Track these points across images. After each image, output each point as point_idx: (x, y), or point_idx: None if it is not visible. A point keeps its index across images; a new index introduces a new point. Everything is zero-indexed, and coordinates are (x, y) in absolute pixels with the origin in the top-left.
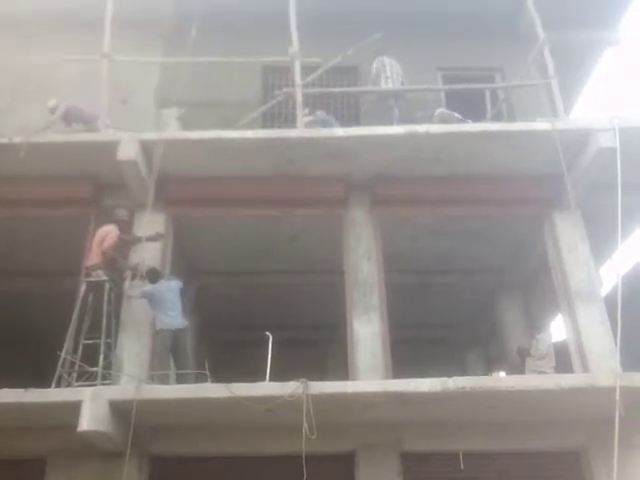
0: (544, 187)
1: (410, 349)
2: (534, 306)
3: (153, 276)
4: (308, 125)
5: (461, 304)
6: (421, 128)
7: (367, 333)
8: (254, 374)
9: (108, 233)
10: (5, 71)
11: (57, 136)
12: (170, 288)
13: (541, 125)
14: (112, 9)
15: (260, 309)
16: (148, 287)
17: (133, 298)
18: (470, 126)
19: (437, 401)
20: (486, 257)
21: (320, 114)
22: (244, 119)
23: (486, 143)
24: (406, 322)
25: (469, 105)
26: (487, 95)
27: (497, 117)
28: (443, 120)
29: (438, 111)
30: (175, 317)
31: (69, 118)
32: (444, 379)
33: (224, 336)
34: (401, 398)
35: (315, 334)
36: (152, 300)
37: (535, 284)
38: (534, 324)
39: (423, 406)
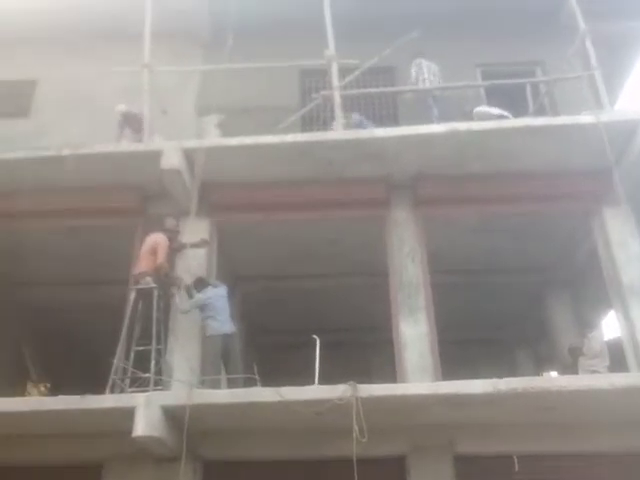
0: (592, 182)
1: (458, 350)
2: (584, 303)
3: (200, 285)
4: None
5: (509, 303)
6: (462, 126)
7: (414, 334)
8: (300, 377)
9: (158, 243)
10: (51, 85)
11: (102, 147)
12: (219, 294)
13: (586, 118)
14: (151, 21)
15: (304, 312)
16: (198, 296)
17: (188, 312)
18: (512, 122)
19: (489, 403)
20: (533, 255)
21: (355, 117)
22: (283, 123)
23: (529, 138)
24: (453, 323)
25: (510, 100)
26: (528, 90)
27: (539, 112)
28: (481, 119)
29: (476, 109)
30: (224, 322)
31: (123, 124)
32: (495, 380)
33: (270, 340)
34: (452, 400)
35: (359, 336)
36: (203, 308)
37: (585, 281)
38: (585, 322)
39: (474, 408)
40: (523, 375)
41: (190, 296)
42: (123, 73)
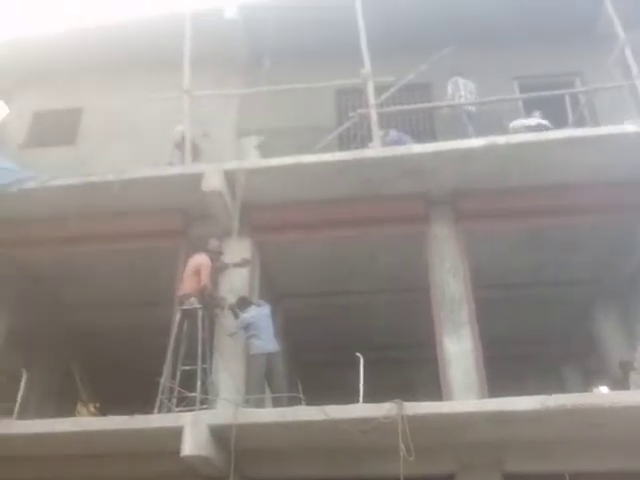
0: (637, 192)
1: (503, 366)
2: (634, 316)
3: (243, 304)
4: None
5: (554, 317)
6: (501, 139)
7: (458, 351)
8: (344, 395)
9: (201, 264)
10: (95, 113)
11: (146, 171)
12: (263, 313)
13: (629, 127)
14: (190, 47)
15: (346, 330)
16: (243, 316)
17: (235, 333)
18: (553, 133)
19: (537, 420)
20: (578, 267)
21: (392, 134)
22: (321, 143)
23: (571, 150)
24: (497, 338)
25: (549, 112)
26: (567, 101)
27: (579, 123)
28: (518, 132)
29: (512, 124)
30: (268, 341)
31: (180, 144)
32: (544, 397)
33: (313, 358)
34: (499, 417)
35: (402, 353)
36: (247, 327)
37: (633, 293)
38: (635, 335)
39: (523, 425)
40: (571, 391)
41: (235, 316)
42: (164, 99)
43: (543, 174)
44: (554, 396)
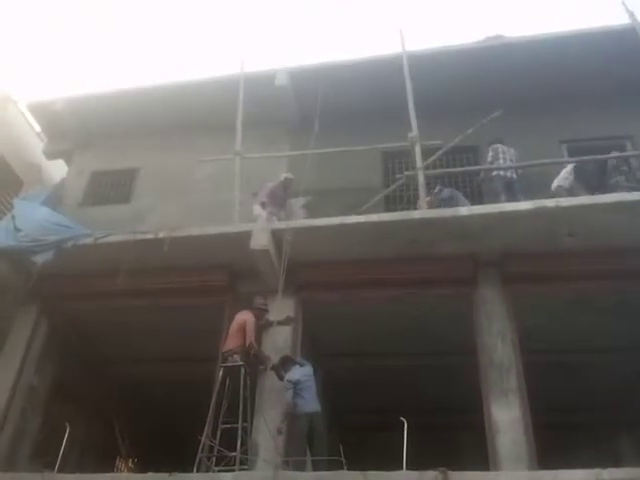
0: None
1: (553, 435)
2: None
3: (287, 363)
4: (432, 201)
5: (606, 384)
6: (550, 202)
7: (507, 419)
8: (386, 460)
9: (246, 321)
10: (150, 173)
11: (195, 230)
12: (306, 373)
13: None
14: (242, 111)
15: (388, 392)
16: (292, 376)
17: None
18: (604, 197)
19: None
20: (629, 333)
21: (446, 192)
22: (367, 203)
23: (623, 213)
24: (547, 406)
25: (599, 176)
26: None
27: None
28: (560, 194)
29: (553, 186)
30: (310, 401)
31: (278, 190)
32: (598, 470)
33: (354, 421)
34: None
35: (447, 418)
36: (293, 387)
37: None
38: None
39: None
40: (625, 462)
41: (278, 376)
42: (216, 160)
43: (595, 237)
44: (609, 470)
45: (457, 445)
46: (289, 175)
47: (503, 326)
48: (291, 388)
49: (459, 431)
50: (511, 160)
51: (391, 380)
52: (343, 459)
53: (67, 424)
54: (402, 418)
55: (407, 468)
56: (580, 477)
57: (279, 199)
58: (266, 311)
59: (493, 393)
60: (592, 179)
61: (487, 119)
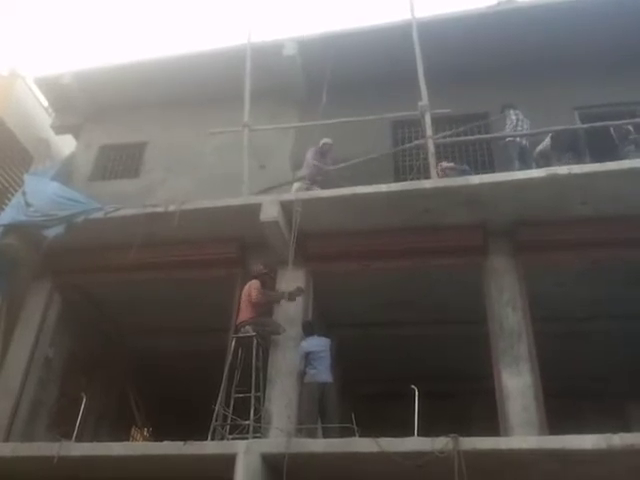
0: None
1: (562, 403)
2: None
3: (308, 329)
4: (447, 170)
5: (617, 352)
6: (562, 170)
7: (517, 386)
8: (398, 428)
9: (249, 286)
10: (158, 147)
11: (205, 203)
12: (322, 344)
13: None
14: (250, 83)
15: (400, 361)
16: (306, 345)
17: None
18: (617, 164)
19: (600, 460)
20: None
21: (462, 167)
22: (377, 173)
23: (635, 181)
24: (557, 373)
25: (611, 143)
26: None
27: None
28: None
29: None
30: (322, 372)
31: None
32: (609, 435)
33: (365, 390)
34: (560, 455)
35: (458, 386)
36: (305, 356)
37: None
38: None
39: (584, 465)
40: (636, 430)
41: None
42: (224, 133)
43: (607, 204)
44: (620, 435)
45: (468, 413)
46: (327, 140)
47: (513, 294)
48: (303, 357)
49: (470, 399)
50: (522, 128)
51: (402, 349)
52: (355, 427)
53: (83, 395)
54: (413, 386)
55: (418, 435)
56: (591, 442)
57: (316, 167)
58: (272, 277)
59: (504, 361)
60: (578, 146)
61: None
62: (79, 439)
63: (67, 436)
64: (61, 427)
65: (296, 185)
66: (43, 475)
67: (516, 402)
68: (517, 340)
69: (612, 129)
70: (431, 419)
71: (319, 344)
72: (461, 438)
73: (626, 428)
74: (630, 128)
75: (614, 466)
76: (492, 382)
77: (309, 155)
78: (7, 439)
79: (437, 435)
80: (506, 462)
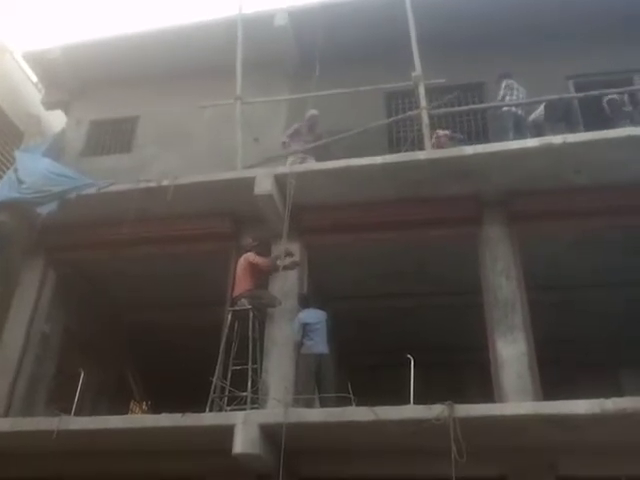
0: None
1: (557, 370)
2: None
3: (304, 302)
4: (442, 139)
5: (611, 320)
6: (557, 139)
7: (512, 354)
8: (393, 398)
9: (246, 259)
10: (151, 121)
11: (198, 177)
12: (319, 317)
13: None
14: (241, 54)
15: (394, 333)
16: (303, 316)
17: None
18: (612, 132)
19: (594, 424)
20: (637, 269)
21: (457, 134)
22: (371, 145)
23: (630, 149)
24: (551, 341)
25: (606, 115)
26: (626, 100)
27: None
28: None
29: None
30: (320, 343)
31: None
32: (602, 400)
33: (361, 361)
34: (555, 421)
35: (453, 356)
36: (302, 328)
37: None
38: None
39: (578, 429)
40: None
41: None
42: (216, 106)
43: (603, 173)
44: (613, 400)
45: (463, 382)
46: (313, 112)
47: (508, 264)
48: (300, 328)
49: (465, 369)
50: (517, 97)
51: (397, 321)
52: (352, 396)
53: (81, 370)
54: (409, 356)
55: (414, 404)
56: (585, 407)
57: (304, 137)
58: (266, 248)
59: (498, 330)
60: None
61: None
62: (78, 414)
63: (66, 412)
64: (59, 403)
65: (291, 159)
66: (43, 449)
67: (511, 370)
68: (511, 309)
69: (606, 103)
70: (426, 389)
71: (316, 316)
72: (456, 405)
73: (620, 394)
74: (624, 99)
75: (607, 429)
76: (487, 352)
77: (288, 132)
78: (6, 416)
79: (432, 404)
80: (501, 428)
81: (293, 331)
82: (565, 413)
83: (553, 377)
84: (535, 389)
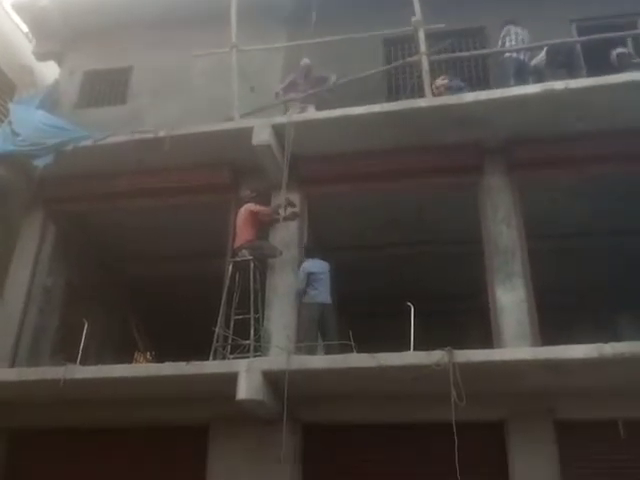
0: None
1: (555, 316)
2: None
3: (310, 251)
4: (442, 89)
5: (610, 267)
6: (559, 85)
7: (511, 301)
8: (392, 346)
9: (246, 210)
10: (145, 71)
11: (195, 127)
12: (323, 268)
13: None
14: (236, 1)
15: (394, 282)
16: (308, 266)
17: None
18: (615, 77)
19: (592, 368)
20: (635, 216)
21: (456, 82)
22: (369, 93)
23: (635, 94)
24: (550, 288)
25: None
26: (630, 44)
27: None
28: None
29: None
30: (323, 292)
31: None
32: (600, 345)
33: (362, 310)
34: (553, 365)
35: (453, 305)
36: (307, 277)
37: None
38: None
39: (576, 374)
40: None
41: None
42: (211, 55)
43: (606, 119)
44: (611, 344)
45: (463, 330)
46: (305, 60)
47: (508, 212)
48: (305, 277)
49: (464, 317)
50: (523, 42)
51: (397, 270)
52: (353, 343)
53: (85, 321)
54: (409, 303)
55: (414, 350)
56: (583, 352)
57: (301, 87)
58: (256, 198)
59: (498, 277)
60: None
61: None
62: (83, 365)
63: (71, 363)
64: (64, 354)
65: (291, 109)
66: (49, 399)
67: (510, 316)
68: (511, 257)
69: (615, 57)
70: (427, 338)
71: (320, 266)
72: (456, 351)
73: (617, 338)
74: (632, 52)
75: (605, 373)
76: (486, 300)
77: (282, 84)
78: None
79: (432, 350)
80: (500, 373)
81: (298, 280)
82: (564, 358)
83: (552, 324)
84: (534, 335)
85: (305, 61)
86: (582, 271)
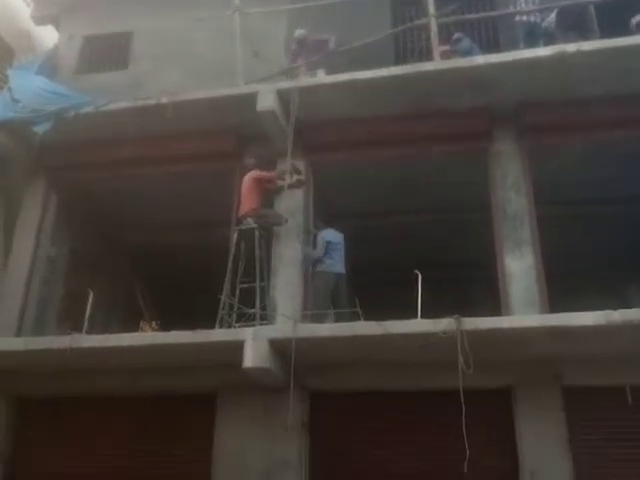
0: None
1: (564, 284)
2: None
3: (320, 225)
4: (449, 53)
5: (621, 234)
6: (571, 47)
7: (520, 268)
8: (400, 314)
9: (250, 178)
10: (146, 37)
11: (199, 93)
12: (339, 237)
13: None
14: None
15: (402, 250)
16: (326, 235)
17: (315, 253)
18: (629, 39)
19: (600, 335)
20: None
21: (465, 42)
22: (376, 57)
23: None
24: (559, 256)
25: (626, 18)
26: None
27: None
28: None
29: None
30: (338, 262)
31: (299, 51)
32: (609, 312)
33: (369, 278)
34: (561, 333)
35: (461, 272)
36: (326, 246)
37: None
38: None
39: (584, 341)
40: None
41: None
42: (214, 19)
43: (618, 83)
44: (620, 311)
45: (471, 298)
46: (298, 31)
47: (517, 179)
48: (323, 246)
49: (473, 285)
50: (533, 3)
51: (405, 237)
52: (360, 311)
53: (90, 290)
54: (417, 271)
55: (422, 318)
56: (592, 319)
57: (302, 56)
58: (260, 165)
59: (507, 245)
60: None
61: None
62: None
63: (77, 331)
64: (70, 323)
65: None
66: (56, 368)
67: (518, 284)
68: (520, 224)
69: (635, 26)
70: (435, 306)
71: (336, 236)
72: (464, 318)
73: (627, 306)
74: None
75: (613, 340)
76: (494, 268)
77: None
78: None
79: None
80: (508, 340)
81: (317, 247)
82: (572, 325)
83: (560, 291)
84: (542, 302)
85: (299, 32)
86: (592, 239)
